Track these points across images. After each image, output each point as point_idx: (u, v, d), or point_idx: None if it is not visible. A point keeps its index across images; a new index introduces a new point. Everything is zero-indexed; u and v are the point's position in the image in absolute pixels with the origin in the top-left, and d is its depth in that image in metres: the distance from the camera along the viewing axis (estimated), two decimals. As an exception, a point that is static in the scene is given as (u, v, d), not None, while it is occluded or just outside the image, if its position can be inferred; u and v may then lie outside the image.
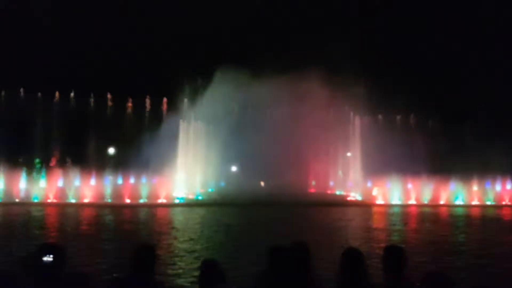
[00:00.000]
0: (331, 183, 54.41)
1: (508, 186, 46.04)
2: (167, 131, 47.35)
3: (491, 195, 44.22)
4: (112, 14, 57.31)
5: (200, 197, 43.38)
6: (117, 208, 36.01)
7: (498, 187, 45.60)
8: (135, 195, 40.15)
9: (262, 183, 52.94)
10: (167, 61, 45.37)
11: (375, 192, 44.05)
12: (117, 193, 40.35)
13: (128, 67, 54.24)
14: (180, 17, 59.35)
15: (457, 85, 53.20)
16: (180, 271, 14.02)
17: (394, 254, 5.31)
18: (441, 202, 42.39)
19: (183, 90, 49.07)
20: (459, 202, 42.89)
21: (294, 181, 49.00)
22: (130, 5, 61.06)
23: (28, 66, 54.21)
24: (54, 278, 4.45)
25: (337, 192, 51.49)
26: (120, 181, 44.37)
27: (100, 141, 49.38)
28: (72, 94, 52.05)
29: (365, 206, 40.35)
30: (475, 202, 43.28)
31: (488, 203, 43.38)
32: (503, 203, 43.60)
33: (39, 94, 49.90)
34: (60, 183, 41.50)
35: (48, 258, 4.49)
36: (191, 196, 43.16)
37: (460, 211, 38.44)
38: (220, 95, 47.97)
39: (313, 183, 53.98)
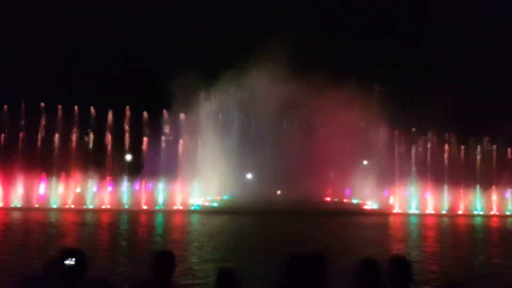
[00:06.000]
0: (347, 192, 53.97)
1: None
2: (184, 139, 47.68)
3: (510, 205, 43.47)
4: (123, 26, 58.04)
5: (215, 204, 43.47)
6: (134, 214, 36.31)
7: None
8: (151, 202, 40.44)
9: (279, 192, 52.80)
10: (182, 69, 45.68)
11: (391, 200, 43.63)
12: (134, 199, 40.71)
13: (145, 75, 54.82)
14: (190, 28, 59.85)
15: (472, 97, 52.27)
16: (198, 278, 14.05)
17: (398, 265, 5.26)
18: (460, 212, 41.79)
19: (199, 98, 49.43)
20: (477, 212, 42.27)
21: (310, 190, 48.72)
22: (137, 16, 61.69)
23: (47, 76, 55.24)
24: (77, 283, 4.52)
25: (354, 201, 51.10)
26: (137, 187, 44.80)
27: (117, 148, 49.88)
28: (91, 108, 52.72)
29: (382, 215, 39.99)
30: (494, 211, 42.60)
31: (508, 213, 42.64)
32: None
33: (59, 104, 50.77)
34: (78, 189, 42.05)
35: (70, 262, 4.54)
36: (206, 203, 43.29)
37: (478, 221, 37.85)
38: (236, 103, 48.16)
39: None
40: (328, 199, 52.40)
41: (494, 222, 37.52)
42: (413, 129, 53.52)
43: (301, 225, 30.51)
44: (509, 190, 44.54)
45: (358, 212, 42.33)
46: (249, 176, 57.10)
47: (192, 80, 44.22)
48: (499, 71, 54.37)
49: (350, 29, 60.58)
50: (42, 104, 48.60)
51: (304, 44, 47.34)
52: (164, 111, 50.40)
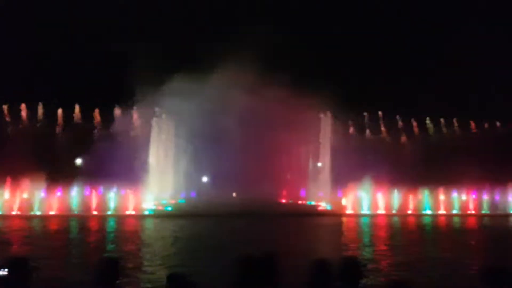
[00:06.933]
0: (302, 193, 54.59)
1: (473, 196, 47.07)
2: (137, 142, 46.85)
3: (457, 205, 45.32)
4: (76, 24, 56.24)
5: (169, 208, 42.87)
6: (84, 219, 35.27)
7: (463, 196, 46.63)
8: (103, 207, 39.44)
9: (234, 194, 52.76)
10: (133, 70, 44.72)
11: (344, 202, 44.57)
12: (85, 204, 39.59)
13: (96, 78, 53.37)
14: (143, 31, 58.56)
15: (419, 93, 53.69)
16: (148, 285, 13.79)
17: (349, 264, 5.38)
18: (409, 212, 43.20)
19: (151, 99, 48.60)
20: (426, 211, 43.83)
21: (265, 192, 48.98)
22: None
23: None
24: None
25: (308, 202, 51.70)
26: (87, 192, 43.40)
27: (67, 152, 48.36)
28: (39, 105, 51.03)
29: (335, 215, 40.75)
30: (441, 211, 44.28)
31: (454, 212, 44.46)
32: (468, 212, 44.74)
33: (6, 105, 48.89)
34: (24, 194, 40.36)
35: (3, 273, 4.39)
36: (160, 208, 42.64)
37: (427, 220, 39.26)
38: (189, 105, 47.71)
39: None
40: (283, 200, 52.82)
41: (441, 221, 39.03)
42: (367, 131, 55.01)
43: (256, 227, 30.55)
44: (455, 190, 46.38)
45: (312, 213, 42.94)
46: (204, 179, 56.74)
47: (144, 80, 43.54)
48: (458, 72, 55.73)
49: (307, 32, 60.88)
50: None
51: (263, 49, 47.39)
52: (115, 112, 49.44)
